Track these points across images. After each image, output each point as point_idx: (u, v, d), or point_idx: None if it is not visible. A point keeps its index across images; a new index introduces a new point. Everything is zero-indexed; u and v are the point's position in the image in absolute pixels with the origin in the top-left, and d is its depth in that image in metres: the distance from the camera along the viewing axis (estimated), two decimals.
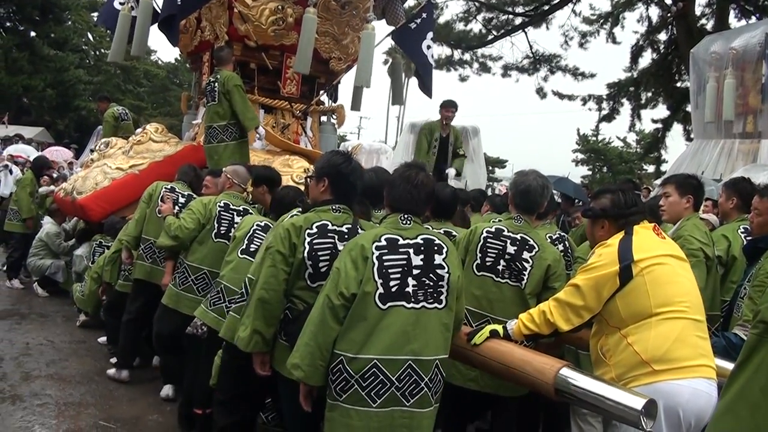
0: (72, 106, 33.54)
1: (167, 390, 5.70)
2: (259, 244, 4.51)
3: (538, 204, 4.16)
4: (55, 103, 32.92)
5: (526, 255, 3.96)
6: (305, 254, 3.41)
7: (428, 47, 8.43)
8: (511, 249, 4.00)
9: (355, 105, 9.40)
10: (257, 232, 4.64)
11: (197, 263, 5.12)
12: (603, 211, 3.33)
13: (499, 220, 4.25)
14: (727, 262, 4.62)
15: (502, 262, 3.97)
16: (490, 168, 30.01)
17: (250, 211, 5.23)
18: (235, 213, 5.16)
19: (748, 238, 4.39)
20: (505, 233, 4.05)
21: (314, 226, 3.45)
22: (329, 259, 3.40)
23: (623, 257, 3.04)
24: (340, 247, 3.38)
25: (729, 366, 3.23)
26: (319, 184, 3.63)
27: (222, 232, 5.10)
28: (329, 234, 3.46)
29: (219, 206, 5.16)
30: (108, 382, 5.95)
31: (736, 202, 4.75)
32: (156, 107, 38.95)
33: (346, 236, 3.45)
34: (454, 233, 4.60)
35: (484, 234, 4.08)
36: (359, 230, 3.48)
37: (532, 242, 4.01)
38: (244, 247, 4.61)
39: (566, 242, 5.05)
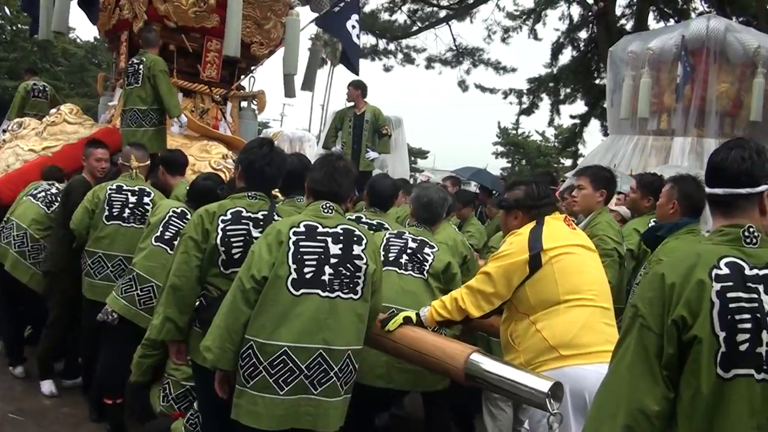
0: None
1: (50, 386, 5.43)
2: (174, 231, 4.43)
3: (439, 215, 4.36)
4: None
5: (427, 250, 4.05)
6: (218, 240, 3.35)
7: (353, 26, 8.43)
8: (412, 244, 4.10)
9: (289, 92, 9.27)
10: (173, 218, 4.53)
11: (92, 248, 4.99)
12: (516, 202, 3.40)
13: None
14: (639, 255, 4.77)
15: (404, 256, 4.03)
16: (413, 159, 30.20)
17: (148, 190, 5.10)
18: (129, 193, 5.02)
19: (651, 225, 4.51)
20: (406, 234, 4.17)
21: (228, 213, 3.41)
22: (243, 246, 3.36)
23: (533, 246, 3.12)
24: (255, 234, 3.35)
25: None
26: (237, 171, 3.63)
27: (114, 213, 4.96)
28: (243, 221, 3.42)
29: (110, 189, 5.02)
30: (15, 378, 5.72)
31: (652, 202, 4.85)
32: (73, 87, 37.47)
33: (261, 223, 3.41)
34: (387, 226, 4.63)
35: (387, 235, 4.17)
36: (275, 217, 3.45)
37: (432, 243, 4.14)
38: (158, 234, 4.51)
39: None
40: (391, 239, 4.14)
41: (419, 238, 4.13)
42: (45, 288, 5.49)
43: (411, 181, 12.00)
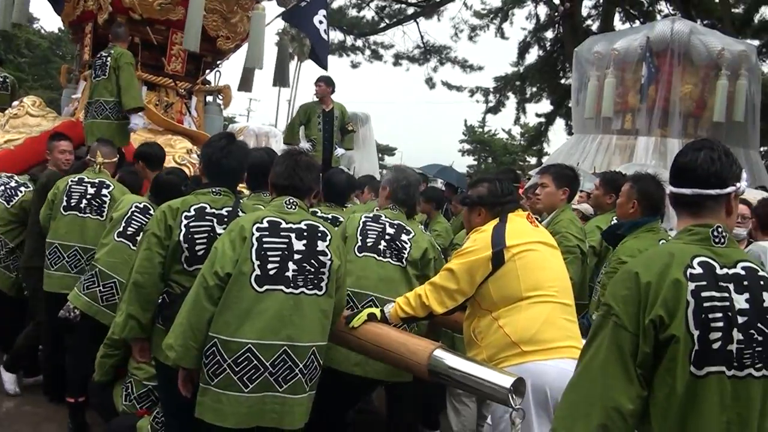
0: None
1: (13, 384, 5.30)
2: (137, 227, 4.39)
3: (416, 198, 4.31)
4: None
5: (404, 237, 3.99)
6: (181, 237, 3.32)
7: (320, 22, 8.40)
8: (390, 230, 4.02)
9: (245, 86, 9.23)
10: (135, 214, 4.49)
11: (49, 239, 4.94)
12: (480, 199, 3.42)
13: (376, 209, 4.31)
14: (601, 252, 4.83)
15: (383, 242, 3.98)
16: (380, 155, 30.21)
17: (108, 183, 5.03)
18: (89, 185, 4.96)
19: (612, 223, 4.56)
20: (383, 218, 4.08)
21: (192, 209, 3.37)
22: (206, 243, 3.32)
23: (496, 242, 3.14)
24: (219, 231, 3.32)
25: None
26: (200, 166, 3.62)
27: (72, 204, 4.90)
28: (207, 217, 3.39)
29: (71, 181, 4.97)
30: None
31: (614, 199, 4.89)
32: (37, 79, 36.80)
33: (225, 219, 3.39)
34: (342, 219, 4.61)
35: (363, 219, 4.09)
36: (240, 213, 3.42)
37: (408, 228, 4.06)
38: (120, 229, 4.46)
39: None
40: (368, 223, 4.05)
41: (396, 222, 4.04)
42: (29, 286, 5.34)
43: (378, 178, 12.00)
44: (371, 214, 4.14)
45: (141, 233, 3.78)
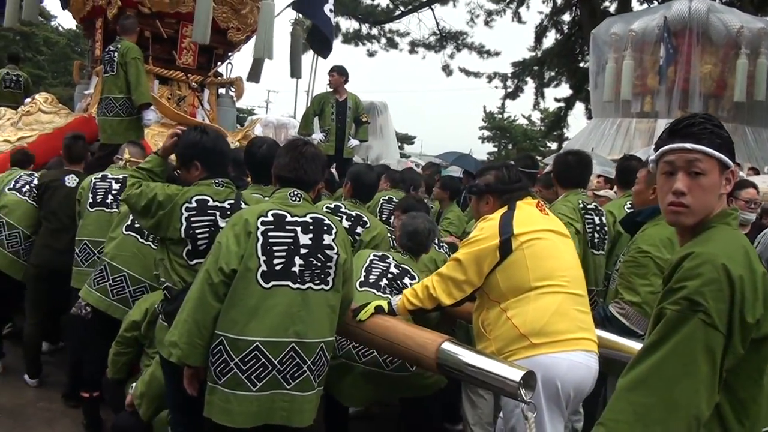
0: None
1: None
2: None
3: (425, 247, 4.21)
4: None
5: (407, 280, 3.94)
6: (182, 231, 3.27)
7: (330, 11, 8.38)
8: (394, 270, 3.97)
9: (253, 77, 9.20)
10: None
11: (79, 236, 4.94)
12: (487, 187, 3.33)
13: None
14: (614, 237, 4.72)
15: (384, 280, 3.91)
16: (399, 144, 30.16)
17: None
18: (113, 181, 4.96)
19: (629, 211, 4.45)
20: (390, 259, 4.05)
21: (193, 200, 3.32)
22: (209, 237, 3.27)
23: (503, 231, 3.05)
24: (222, 224, 3.26)
25: (610, 337, 3.35)
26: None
27: (98, 200, 4.92)
28: (209, 210, 3.33)
29: (95, 178, 4.99)
30: None
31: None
32: (56, 77, 37.07)
33: (228, 212, 3.33)
34: (366, 219, 4.58)
35: (371, 257, 4.05)
36: (242, 205, 3.36)
37: (414, 273, 4.01)
38: (129, 222, 4.42)
39: None
40: (374, 261, 4.02)
41: (402, 265, 4.01)
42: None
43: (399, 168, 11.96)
44: (380, 254, 4.11)
45: None
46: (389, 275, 3.92)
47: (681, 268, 1.80)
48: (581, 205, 4.42)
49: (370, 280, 3.89)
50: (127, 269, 4.37)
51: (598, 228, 4.46)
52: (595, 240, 4.43)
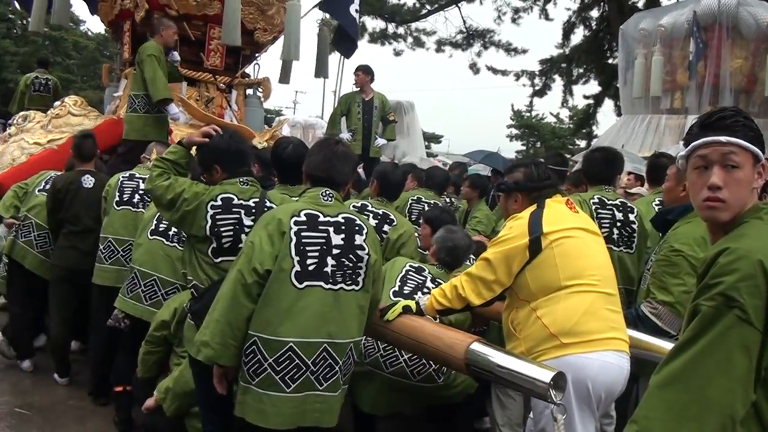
0: None
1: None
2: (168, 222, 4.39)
3: (461, 262, 4.18)
4: None
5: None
6: (207, 228, 3.28)
7: (356, 11, 8.39)
8: (430, 285, 3.94)
9: (284, 78, 9.24)
10: None
11: (104, 233, 5.00)
12: (516, 185, 3.30)
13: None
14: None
15: (419, 293, 3.87)
16: (427, 143, 30.10)
17: None
18: (140, 180, 4.98)
19: (659, 209, 4.37)
20: (426, 272, 4.04)
21: (219, 198, 3.32)
22: (233, 235, 3.29)
23: (533, 229, 3.01)
24: (247, 222, 3.27)
25: (642, 337, 3.30)
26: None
27: (125, 199, 4.98)
28: (234, 209, 3.34)
29: (122, 177, 5.06)
30: (24, 371, 5.70)
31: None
32: (86, 80, 37.55)
33: (253, 210, 3.33)
34: (393, 217, 4.57)
35: (406, 267, 4.04)
36: (266, 204, 3.37)
37: None
38: (153, 227, 4.48)
39: None
40: (410, 273, 4.01)
41: (438, 280, 3.99)
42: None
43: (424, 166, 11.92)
44: (416, 265, 4.10)
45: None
46: (425, 290, 3.88)
47: (716, 263, 1.75)
48: (596, 200, 4.33)
49: (405, 291, 3.89)
50: (156, 273, 4.42)
51: (619, 224, 4.32)
52: (614, 236, 4.29)
